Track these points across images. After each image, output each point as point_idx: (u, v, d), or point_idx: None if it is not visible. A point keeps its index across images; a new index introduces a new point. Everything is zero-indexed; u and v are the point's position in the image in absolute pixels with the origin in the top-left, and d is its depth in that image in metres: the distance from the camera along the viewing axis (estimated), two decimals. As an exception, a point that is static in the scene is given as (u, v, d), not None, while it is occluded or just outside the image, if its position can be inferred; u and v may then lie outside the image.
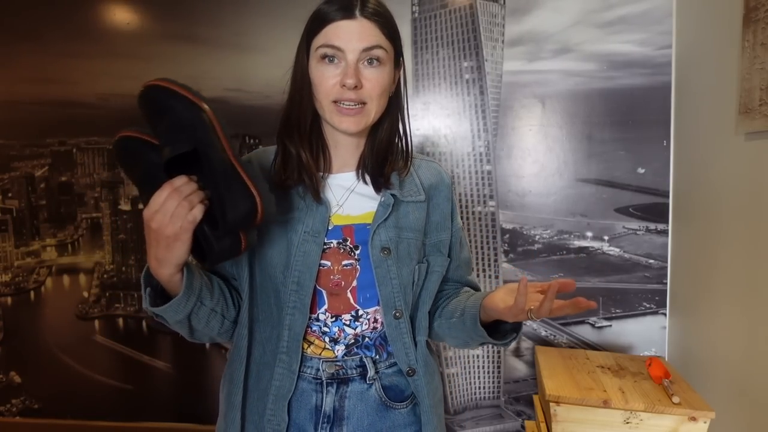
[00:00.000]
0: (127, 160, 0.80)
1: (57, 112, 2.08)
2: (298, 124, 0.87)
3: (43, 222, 2.16)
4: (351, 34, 0.80)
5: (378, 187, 0.90)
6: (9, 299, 2.18)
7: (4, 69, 2.09)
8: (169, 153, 0.71)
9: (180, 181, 0.71)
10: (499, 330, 0.90)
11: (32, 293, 2.18)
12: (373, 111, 0.85)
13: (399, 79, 0.90)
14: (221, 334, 0.90)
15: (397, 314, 0.89)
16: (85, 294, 2.14)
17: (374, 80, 0.82)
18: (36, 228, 2.16)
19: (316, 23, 0.83)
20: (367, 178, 0.90)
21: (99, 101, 2.05)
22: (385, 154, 0.90)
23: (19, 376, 2.18)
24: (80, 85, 2.05)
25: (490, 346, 1.92)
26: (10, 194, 2.16)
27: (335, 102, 0.82)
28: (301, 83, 0.86)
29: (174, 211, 0.70)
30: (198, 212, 0.71)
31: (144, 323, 2.12)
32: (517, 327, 0.91)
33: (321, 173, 0.89)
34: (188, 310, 0.79)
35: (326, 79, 0.82)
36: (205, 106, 0.73)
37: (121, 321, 2.13)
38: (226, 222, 0.71)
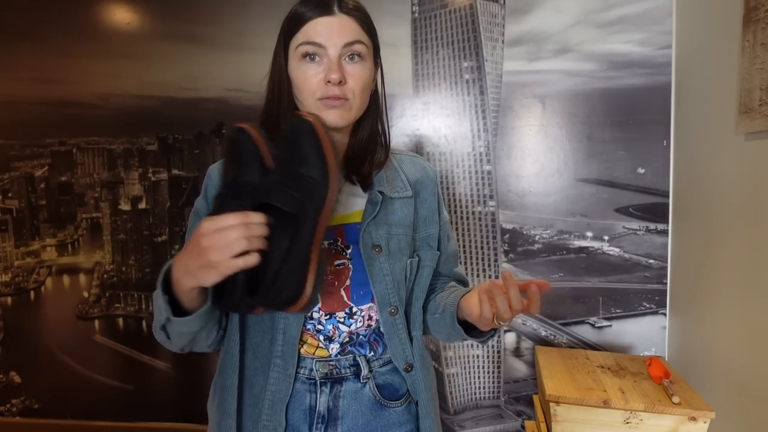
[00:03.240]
0: (233, 155, 0.74)
1: (57, 112, 2.08)
2: (276, 129, 0.85)
3: (43, 222, 2.16)
4: (331, 30, 0.80)
5: (365, 186, 0.90)
6: (9, 299, 2.18)
7: (4, 69, 2.09)
8: (272, 199, 0.68)
9: (257, 219, 0.67)
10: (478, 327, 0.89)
11: (32, 293, 2.17)
12: (356, 106, 0.84)
13: (377, 77, 0.90)
14: (213, 344, 0.89)
15: (392, 311, 0.89)
16: (85, 294, 2.14)
17: (357, 75, 0.82)
18: (36, 228, 2.16)
19: (294, 22, 0.83)
20: (353, 177, 0.90)
21: (99, 101, 2.05)
22: (366, 153, 0.90)
23: (19, 376, 2.18)
24: (80, 85, 2.05)
25: (489, 345, 1.93)
26: (10, 194, 2.16)
27: (320, 99, 0.82)
28: (279, 86, 0.85)
29: (231, 242, 0.65)
30: (251, 261, 0.66)
31: (144, 323, 2.12)
32: None
33: None
34: (205, 323, 0.78)
35: (309, 77, 0.81)
36: (333, 185, 0.70)
37: (121, 321, 2.13)
38: (263, 295, 0.69)
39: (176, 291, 0.74)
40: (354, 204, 0.90)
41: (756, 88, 1.23)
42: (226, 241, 0.65)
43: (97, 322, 2.14)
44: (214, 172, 0.89)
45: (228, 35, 1.93)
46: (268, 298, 0.69)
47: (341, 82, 0.80)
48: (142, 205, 2.09)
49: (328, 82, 0.80)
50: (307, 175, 0.70)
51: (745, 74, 1.28)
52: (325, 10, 0.81)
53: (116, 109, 2.04)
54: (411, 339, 0.92)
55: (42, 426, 2.15)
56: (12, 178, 2.15)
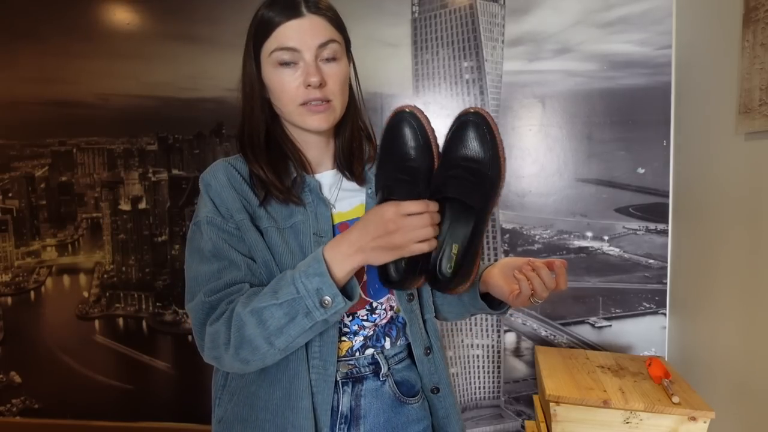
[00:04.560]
0: (403, 139, 0.77)
1: (57, 112, 2.08)
2: (251, 139, 0.85)
3: (43, 222, 2.16)
4: (303, 33, 0.79)
5: (361, 181, 0.91)
6: (9, 299, 2.18)
7: (4, 69, 2.09)
8: (458, 194, 0.73)
9: (436, 208, 0.73)
10: (493, 299, 0.92)
11: (32, 293, 2.18)
12: (339, 106, 0.84)
13: (351, 72, 0.90)
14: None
15: (410, 297, 0.90)
16: (85, 294, 2.14)
17: (335, 75, 0.82)
18: (36, 228, 2.16)
19: (263, 28, 0.82)
20: (347, 174, 0.91)
21: (99, 101, 2.05)
22: (353, 149, 0.91)
23: (19, 376, 2.18)
24: (80, 85, 2.05)
25: (489, 346, 1.93)
26: (10, 194, 2.16)
27: (302, 105, 0.81)
28: (251, 95, 0.84)
29: (417, 228, 0.71)
30: (431, 246, 0.73)
31: (144, 323, 2.12)
32: None
33: (310, 174, 0.89)
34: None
35: (288, 84, 0.80)
36: (503, 181, 0.75)
37: (121, 321, 2.13)
38: (434, 279, 0.77)
39: (335, 280, 0.75)
40: (355, 200, 0.90)
41: (756, 88, 1.23)
42: (412, 227, 0.71)
43: (97, 322, 2.14)
44: (215, 181, 0.85)
45: (227, 35, 1.93)
46: (441, 281, 0.78)
47: (321, 85, 0.80)
48: (142, 205, 2.09)
49: (309, 86, 0.79)
50: (486, 172, 0.75)
51: (745, 74, 1.28)
52: (293, 12, 0.79)
53: (116, 109, 2.04)
54: (425, 322, 0.94)
55: (42, 426, 2.16)
56: (12, 178, 2.15)
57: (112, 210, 2.11)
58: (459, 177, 0.74)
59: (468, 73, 1.87)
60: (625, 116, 1.78)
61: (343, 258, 0.74)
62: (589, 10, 1.78)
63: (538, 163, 1.85)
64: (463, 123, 0.76)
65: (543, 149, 1.84)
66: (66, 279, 2.16)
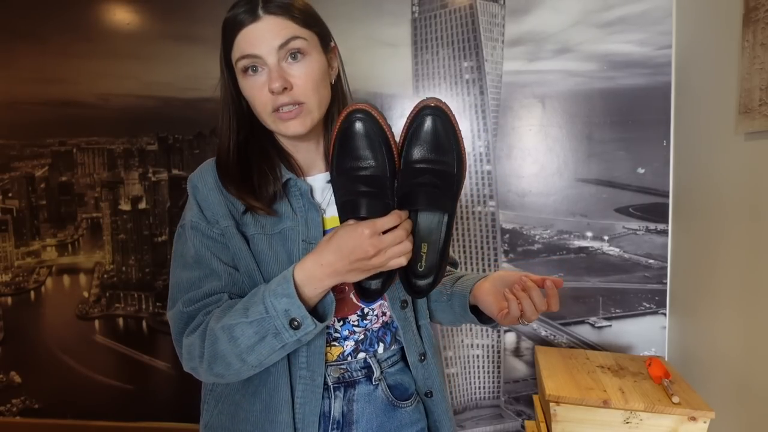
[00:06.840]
0: (359, 143, 0.69)
1: (57, 112, 2.08)
2: (221, 156, 0.82)
3: (43, 222, 2.16)
4: (261, 36, 0.76)
5: None
6: (9, 299, 2.18)
7: (4, 69, 2.09)
8: (426, 206, 0.70)
9: (408, 224, 0.71)
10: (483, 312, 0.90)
11: (32, 293, 2.18)
12: (315, 106, 0.80)
13: (336, 63, 0.86)
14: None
15: (403, 304, 0.89)
16: (85, 294, 2.14)
17: (304, 75, 0.77)
18: (36, 228, 2.16)
19: (227, 36, 0.79)
20: None
21: (99, 101, 2.05)
22: None
23: (19, 376, 2.18)
24: (80, 85, 2.05)
25: (489, 346, 1.93)
26: (10, 194, 2.16)
27: (274, 112, 0.78)
28: (223, 106, 0.82)
29: (393, 245, 0.69)
30: (406, 260, 0.71)
31: (144, 323, 2.12)
32: None
33: (300, 177, 0.86)
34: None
35: (257, 91, 0.78)
36: (464, 178, 0.72)
37: (121, 321, 2.13)
38: (408, 285, 0.76)
39: (305, 300, 0.73)
40: None
41: (756, 88, 1.23)
42: (390, 244, 0.69)
43: (97, 322, 2.14)
44: (201, 184, 0.84)
45: (228, 35, 1.93)
46: (412, 287, 0.77)
47: (286, 89, 0.76)
48: (142, 205, 2.09)
49: (272, 91, 0.76)
50: (452, 172, 0.71)
51: (744, 74, 1.28)
52: (250, 16, 0.76)
53: (116, 109, 2.04)
54: (419, 328, 0.92)
55: (42, 426, 2.15)
56: (12, 178, 2.15)
57: (112, 210, 2.11)
58: (427, 184, 0.69)
59: (468, 73, 1.87)
60: (625, 116, 1.78)
61: (316, 281, 0.72)
62: (588, 10, 1.78)
63: (538, 163, 1.85)
64: (422, 117, 0.70)
65: (543, 149, 1.84)
66: (66, 279, 2.16)
